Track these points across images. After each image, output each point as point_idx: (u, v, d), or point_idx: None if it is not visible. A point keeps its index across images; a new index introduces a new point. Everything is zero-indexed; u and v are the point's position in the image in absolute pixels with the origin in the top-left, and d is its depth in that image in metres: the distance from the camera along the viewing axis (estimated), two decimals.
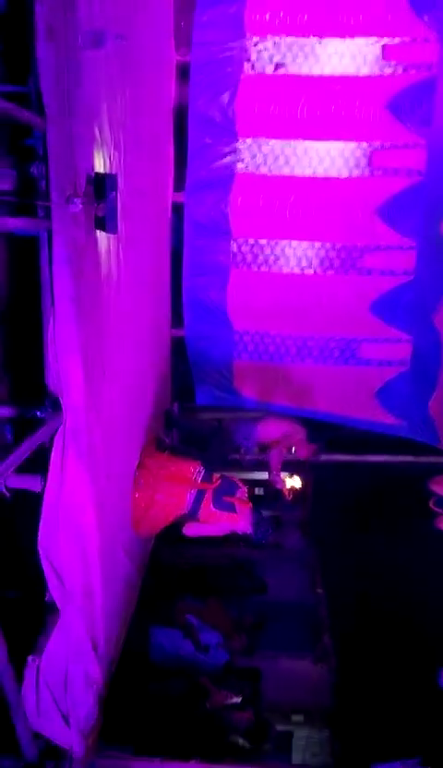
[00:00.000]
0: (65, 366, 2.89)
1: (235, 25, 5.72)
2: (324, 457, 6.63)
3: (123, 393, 3.89)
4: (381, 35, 5.71)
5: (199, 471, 4.57)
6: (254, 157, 6.09)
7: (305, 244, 6.26)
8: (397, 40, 5.71)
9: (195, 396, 6.72)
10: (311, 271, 6.34)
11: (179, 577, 6.96)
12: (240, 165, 6.11)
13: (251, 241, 6.28)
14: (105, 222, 3.02)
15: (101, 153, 3.17)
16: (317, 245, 6.25)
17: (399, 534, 6.84)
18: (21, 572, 3.11)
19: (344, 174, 6.07)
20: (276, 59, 5.85)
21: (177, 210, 6.25)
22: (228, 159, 6.10)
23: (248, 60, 5.84)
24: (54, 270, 2.77)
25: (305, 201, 6.14)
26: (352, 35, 5.73)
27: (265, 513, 8.74)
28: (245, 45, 5.79)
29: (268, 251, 6.31)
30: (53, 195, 2.69)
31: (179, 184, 6.16)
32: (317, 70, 5.85)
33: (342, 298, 6.35)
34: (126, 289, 3.90)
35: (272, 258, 6.32)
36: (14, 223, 2.74)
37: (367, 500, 7.08)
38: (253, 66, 5.87)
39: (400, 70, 5.78)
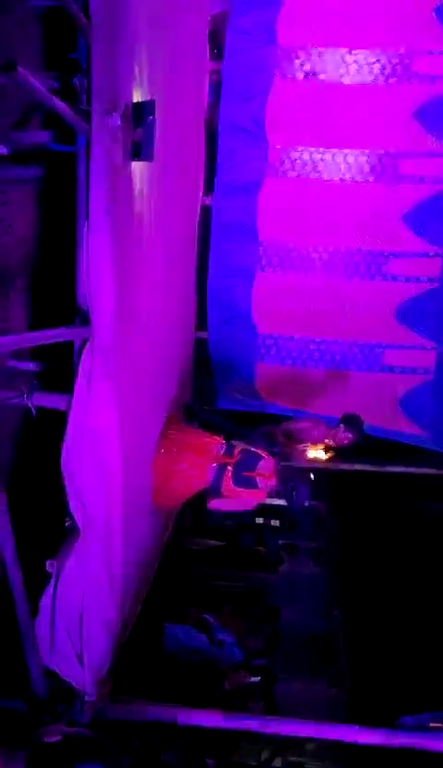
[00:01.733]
0: (97, 279, 2.87)
1: (268, 33, 5.92)
2: (343, 466, 6.50)
3: (152, 334, 3.85)
4: (410, 47, 5.87)
5: (223, 445, 4.47)
6: (282, 163, 6.20)
7: (331, 249, 6.30)
8: (425, 52, 5.85)
9: (215, 400, 6.64)
10: (336, 277, 6.35)
11: (191, 594, 6.77)
12: (269, 170, 6.21)
13: (278, 244, 6.33)
14: (142, 148, 3.05)
15: (138, 90, 3.23)
16: (343, 249, 6.29)
17: (421, 549, 6.63)
18: (43, 494, 3.01)
19: (371, 180, 6.15)
20: (307, 68, 6.02)
21: (204, 213, 6.32)
22: (257, 164, 6.21)
23: (279, 68, 6.01)
24: (92, 180, 2.79)
25: (331, 206, 6.22)
26: (382, 47, 5.90)
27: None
28: (276, 53, 5.96)
29: (294, 255, 6.35)
30: (94, 104, 2.73)
31: (207, 187, 6.26)
32: (346, 80, 6.01)
33: (367, 304, 6.34)
34: (159, 244, 3.91)
35: (298, 262, 6.36)
36: (48, 136, 2.77)
37: (388, 514, 6.89)
38: (284, 74, 6.03)
39: (427, 81, 5.92)
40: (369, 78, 5.98)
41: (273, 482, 4.32)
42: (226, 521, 8.37)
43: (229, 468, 4.37)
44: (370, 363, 6.45)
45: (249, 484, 4.36)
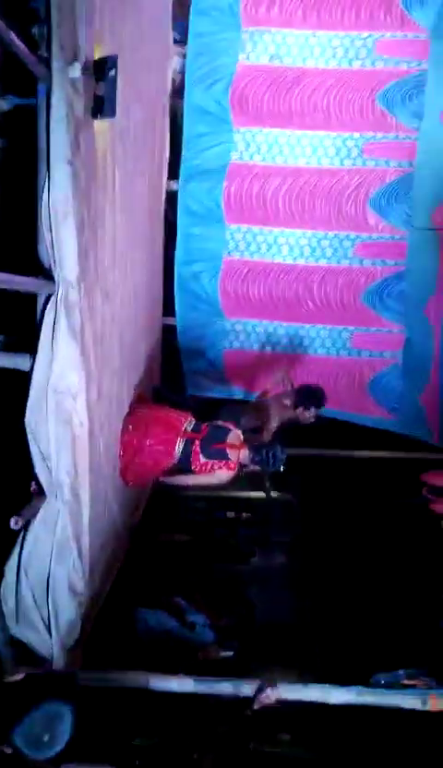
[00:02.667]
0: (59, 234, 2.79)
1: (231, 16, 5.90)
2: (310, 452, 6.46)
3: (118, 308, 3.77)
4: (373, 30, 5.89)
5: (190, 421, 4.41)
6: (248, 146, 6.18)
7: (298, 232, 6.28)
8: (388, 35, 5.89)
9: (183, 387, 6.57)
10: (303, 261, 6.34)
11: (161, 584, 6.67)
12: (234, 154, 6.19)
13: (244, 228, 6.30)
14: (104, 104, 2.98)
15: (100, 46, 3.16)
16: (310, 234, 6.28)
17: (392, 531, 6.60)
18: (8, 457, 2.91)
19: (337, 164, 6.15)
20: (270, 50, 6.01)
21: (171, 198, 6.27)
22: (222, 147, 6.18)
23: (243, 51, 5.99)
24: (52, 130, 2.71)
25: (298, 190, 6.20)
26: (345, 29, 5.91)
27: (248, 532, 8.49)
28: (240, 36, 5.95)
29: (260, 239, 6.32)
30: (54, 52, 2.66)
31: (173, 172, 6.21)
32: (310, 63, 6.01)
33: (334, 287, 6.34)
34: (122, 220, 3.84)
35: (265, 246, 6.33)
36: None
37: (357, 499, 6.85)
38: (248, 57, 6.02)
39: (391, 64, 5.95)
40: (333, 62, 5.98)
41: (244, 452, 4.26)
42: (197, 516, 8.29)
43: (197, 442, 4.31)
44: (338, 347, 6.43)
45: (220, 455, 4.31)
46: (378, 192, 6.17)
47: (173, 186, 6.27)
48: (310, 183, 6.18)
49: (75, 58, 2.77)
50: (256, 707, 4.46)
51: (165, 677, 3.27)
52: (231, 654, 4.65)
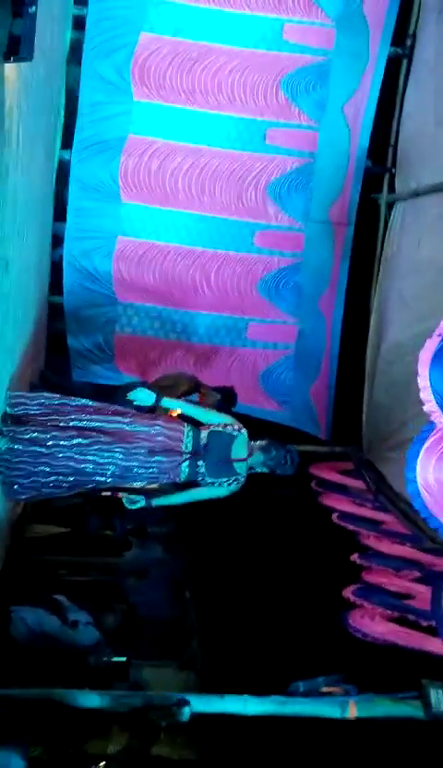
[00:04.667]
0: None
1: None
2: None
3: (18, 270, 3.38)
4: (281, 14, 5.76)
5: (187, 434, 3.80)
6: (148, 120, 5.90)
7: (196, 216, 6.07)
8: (296, 20, 5.79)
9: (67, 370, 6.19)
10: (201, 246, 6.14)
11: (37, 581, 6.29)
12: (133, 127, 5.88)
13: (141, 207, 6.00)
14: (21, 44, 2.62)
15: None
16: (209, 218, 6.09)
17: (280, 525, 6.55)
18: None
19: (239, 147, 5.99)
20: (176, 24, 5.74)
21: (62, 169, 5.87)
22: (121, 119, 5.86)
23: (147, 21, 5.69)
24: None
25: (199, 172, 6.00)
26: (252, 10, 5.74)
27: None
28: (144, 6, 5.65)
29: (157, 220, 6.05)
30: None
31: (65, 141, 5.82)
32: (216, 41, 5.80)
33: (232, 275, 6.19)
34: (15, 181, 3.46)
35: (162, 227, 6.07)
36: None
37: (241, 492, 6.74)
38: (152, 28, 5.72)
39: (297, 51, 5.85)
40: (240, 42, 5.81)
41: (253, 456, 3.81)
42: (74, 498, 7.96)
43: (201, 462, 3.80)
44: (233, 337, 6.29)
45: (228, 473, 3.85)
46: (278, 180, 6.07)
47: (65, 155, 5.88)
48: (211, 165, 5.98)
49: None
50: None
51: (71, 690, 2.96)
52: (124, 659, 4.36)
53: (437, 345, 2.62)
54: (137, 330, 6.18)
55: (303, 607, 5.45)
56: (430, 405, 2.60)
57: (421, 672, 3.06)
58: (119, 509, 8.73)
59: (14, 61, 2.71)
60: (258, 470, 3.89)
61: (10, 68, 2.86)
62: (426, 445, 2.66)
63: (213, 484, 3.83)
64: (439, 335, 2.64)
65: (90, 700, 2.78)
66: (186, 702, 2.75)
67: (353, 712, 2.83)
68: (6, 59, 2.72)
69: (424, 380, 2.62)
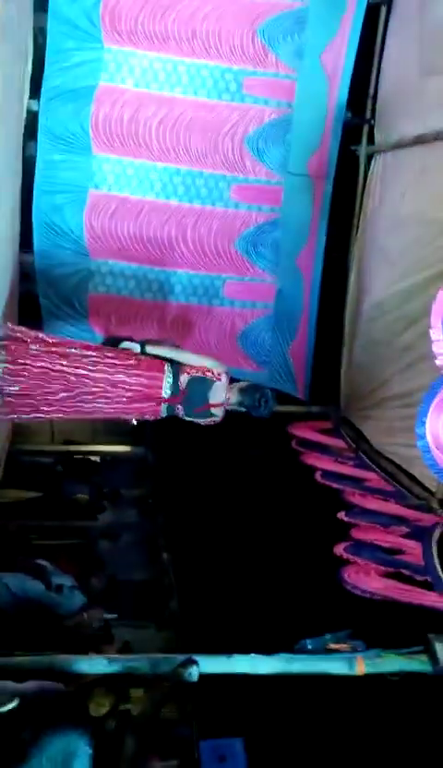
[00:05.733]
0: None
1: None
2: None
3: None
4: None
5: (167, 380, 4.07)
6: (119, 68, 5.64)
7: (171, 168, 5.86)
8: None
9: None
10: (176, 200, 5.94)
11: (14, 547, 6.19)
12: (104, 75, 5.62)
13: (113, 159, 5.77)
14: None
15: None
16: (184, 171, 5.88)
17: (256, 483, 6.52)
18: None
19: (215, 97, 5.78)
20: None
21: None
22: (91, 67, 5.59)
23: None
24: None
25: (173, 122, 5.77)
26: None
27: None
28: None
29: (131, 173, 5.83)
30: None
31: (33, 90, 5.53)
32: None
33: (209, 231, 6.02)
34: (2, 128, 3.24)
35: (135, 181, 5.85)
36: None
37: (221, 454, 6.68)
38: None
39: None
40: None
41: (231, 398, 4.05)
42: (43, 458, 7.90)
43: (179, 406, 4.09)
44: (210, 295, 6.15)
45: (204, 416, 4.14)
46: (256, 131, 5.89)
47: (33, 106, 5.59)
48: (186, 115, 5.77)
49: None
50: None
51: (74, 656, 2.86)
52: (115, 615, 4.36)
53: None
54: (111, 289, 6.00)
55: (290, 564, 5.45)
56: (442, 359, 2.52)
57: (426, 625, 3.04)
58: (92, 470, 8.69)
59: None
60: (236, 409, 4.15)
61: None
62: (436, 401, 2.59)
63: (191, 420, 4.13)
64: None
65: (96, 665, 2.68)
66: (194, 662, 2.68)
67: (360, 668, 2.80)
68: None
69: (436, 333, 2.53)
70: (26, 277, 5.85)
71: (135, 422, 4.11)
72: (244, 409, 4.16)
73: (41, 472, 8.02)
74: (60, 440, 8.39)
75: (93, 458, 8.24)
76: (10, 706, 1.91)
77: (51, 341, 3.96)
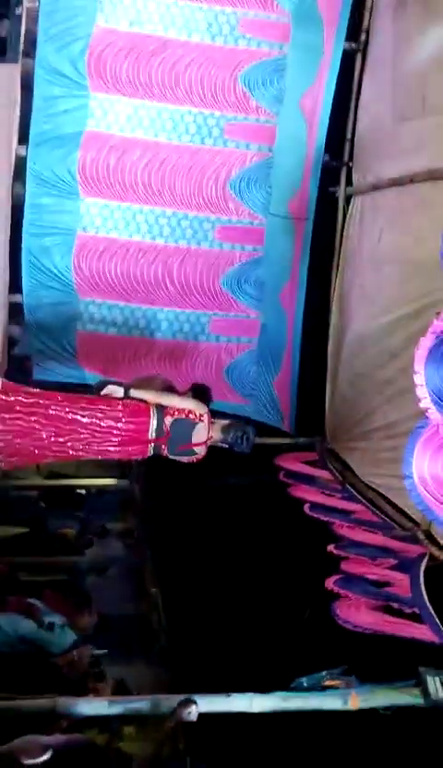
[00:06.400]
0: None
1: None
2: None
3: None
4: (237, 7, 5.75)
5: (153, 424, 4.30)
6: (106, 114, 5.81)
7: (157, 210, 6.03)
8: (252, 14, 5.78)
9: (27, 369, 6.08)
10: (162, 240, 6.11)
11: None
12: (91, 121, 5.79)
13: (101, 203, 5.93)
14: (6, 46, 2.55)
15: None
16: (170, 212, 6.05)
17: (249, 516, 6.60)
18: None
19: (197, 142, 5.96)
20: (131, 16, 5.66)
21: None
22: (78, 114, 5.76)
23: (102, 12, 5.59)
24: None
25: (158, 166, 5.94)
26: (208, 2, 5.71)
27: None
28: None
29: (118, 215, 5.99)
30: None
31: (22, 136, 5.69)
32: (172, 33, 5.75)
33: (194, 270, 6.18)
34: None
35: (122, 223, 6.01)
36: None
37: (208, 487, 6.76)
38: (107, 20, 5.62)
39: (254, 45, 5.85)
40: (196, 35, 5.77)
41: (213, 436, 4.27)
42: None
43: (163, 446, 4.32)
44: (196, 332, 6.30)
45: (188, 453, 4.36)
46: (239, 174, 6.09)
47: (22, 151, 5.74)
48: (170, 159, 5.95)
49: None
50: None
51: (75, 699, 2.92)
52: (106, 651, 4.43)
53: (431, 343, 2.69)
54: (99, 327, 6.12)
55: (278, 599, 5.52)
56: (426, 402, 2.67)
57: (417, 658, 3.14)
58: (77, 503, 8.72)
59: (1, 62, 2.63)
60: (218, 445, 4.42)
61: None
62: (421, 441, 2.73)
63: (175, 458, 4.41)
64: (433, 333, 2.71)
65: (98, 707, 2.75)
66: (193, 702, 2.76)
67: (354, 703, 2.89)
68: None
69: (419, 378, 2.68)
70: (13, 317, 5.96)
71: None
72: (226, 445, 4.44)
73: (27, 506, 8.05)
74: (45, 473, 8.43)
75: (79, 491, 8.29)
76: (44, 758, 1.98)
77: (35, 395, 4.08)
